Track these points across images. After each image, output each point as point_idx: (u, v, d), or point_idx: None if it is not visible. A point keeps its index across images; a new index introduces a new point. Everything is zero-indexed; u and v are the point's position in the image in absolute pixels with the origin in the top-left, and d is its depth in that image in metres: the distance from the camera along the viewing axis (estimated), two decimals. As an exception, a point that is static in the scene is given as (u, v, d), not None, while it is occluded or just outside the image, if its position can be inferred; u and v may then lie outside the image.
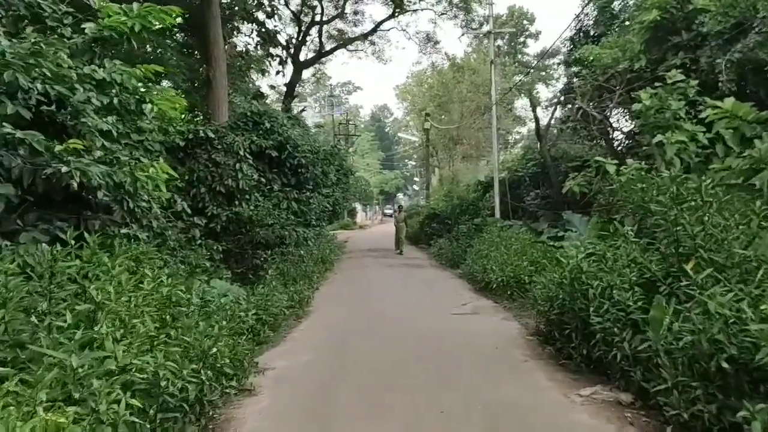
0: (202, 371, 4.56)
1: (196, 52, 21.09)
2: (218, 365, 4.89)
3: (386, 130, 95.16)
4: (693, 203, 5.89)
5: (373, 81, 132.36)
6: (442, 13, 33.47)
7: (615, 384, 5.56)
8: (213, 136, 12.94)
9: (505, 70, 46.49)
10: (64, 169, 5.30)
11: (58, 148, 5.49)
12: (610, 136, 15.94)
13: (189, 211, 11.88)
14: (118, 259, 5.19)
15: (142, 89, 7.03)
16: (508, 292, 11.21)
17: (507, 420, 4.90)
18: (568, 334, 6.49)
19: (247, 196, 13.35)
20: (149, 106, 6.89)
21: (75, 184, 5.33)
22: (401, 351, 7.43)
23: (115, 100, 6.54)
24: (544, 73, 57.60)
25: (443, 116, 43.94)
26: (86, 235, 5.36)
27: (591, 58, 16.93)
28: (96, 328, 4.13)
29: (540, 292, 7.82)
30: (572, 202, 18.44)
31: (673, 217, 5.85)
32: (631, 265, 6.15)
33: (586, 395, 5.41)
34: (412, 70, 74.70)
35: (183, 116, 14.08)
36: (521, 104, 58.08)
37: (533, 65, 50.11)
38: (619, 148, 16.19)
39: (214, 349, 4.84)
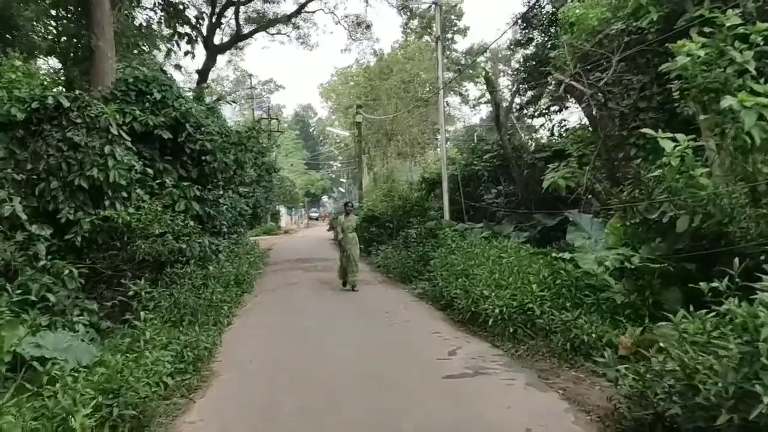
0: None
1: (80, 19, 16.63)
2: None
3: (311, 130, 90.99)
4: None
5: (296, 80, 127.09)
6: (375, -9, 29.97)
7: None
8: (69, 105, 8.77)
9: (433, 65, 43.53)
10: None
11: None
12: (603, 113, 12.67)
13: (23, 215, 7.77)
14: None
15: None
16: (510, 329, 7.68)
17: None
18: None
19: (124, 194, 9.24)
20: None
21: None
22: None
23: None
24: (472, 72, 55.30)
25: (373, 112, 40.51)
26: None
27: (572, 20, 13.77)
28: None
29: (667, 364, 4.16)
30: (546, 200, 15.27)
31: None
32: None
33: None
34: (337, 67, 71.25)
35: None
36: (450, 101, 55.45)
37: (500, 34, 47.50)
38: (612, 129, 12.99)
39: None
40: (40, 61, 17.01)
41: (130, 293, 7.97)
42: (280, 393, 6.10)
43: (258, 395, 6.06)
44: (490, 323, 7.86)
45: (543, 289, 7.97)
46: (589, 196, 13.86)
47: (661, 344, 4.64)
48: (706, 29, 8.29)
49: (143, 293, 7.64)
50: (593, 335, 6.81)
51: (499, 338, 7.74)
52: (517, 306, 7.77)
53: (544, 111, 20.22)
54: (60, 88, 11.69)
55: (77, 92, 9.35)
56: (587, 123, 15.95)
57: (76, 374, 4.82)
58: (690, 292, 7.26)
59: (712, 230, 7.24)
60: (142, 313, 6.84)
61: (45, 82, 9.90)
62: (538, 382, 6.06)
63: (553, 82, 15.48)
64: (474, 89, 65.13)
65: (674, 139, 7.57)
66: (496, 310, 7.79)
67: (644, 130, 7.65)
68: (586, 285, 7.80)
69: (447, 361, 6.98)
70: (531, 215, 16.05)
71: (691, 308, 4.33)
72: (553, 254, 8.95)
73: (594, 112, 13.25)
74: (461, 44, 63.52)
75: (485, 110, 68.05)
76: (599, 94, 12.31)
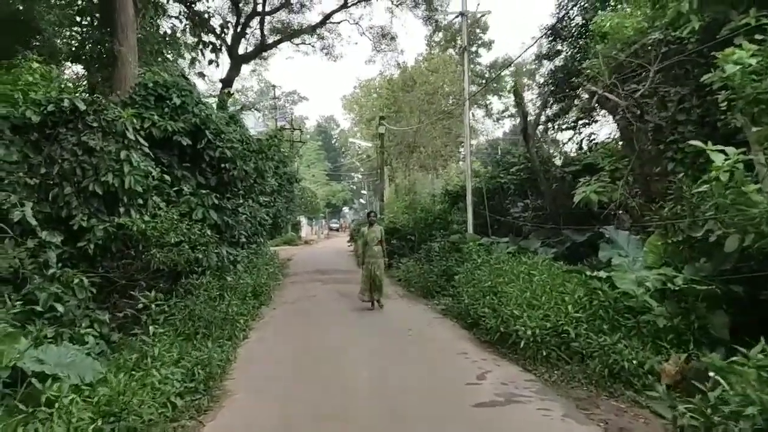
0: None
1: (104, 25, 16.52)
2: None
3: (333, 141, 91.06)
4: None
5: (319, 92, 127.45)
6: (400, 3, 29.70)
7: None
8: (85, 108, 8.50)
9: (457, 77, 43.11)
10: None
11: None
12: (642, 126, 12.07)
13: (33, 221, 7.48)
14: None
15: None
16: (543, 353, 7.17)
17: None
18: None
19: (140, 201, 8.93)
20: None
21: None
22: None
23: None
24: (496, 85, 54.85)
25: (396, 124, 40.19)
26: None
27: (605, 30, 13.29)
28: None
29: None
30: (575, 215, 14.72)
31: None
32: None
33: None
34: (360, 78, 71.37)
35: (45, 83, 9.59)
36: (474, 114, 54.92)
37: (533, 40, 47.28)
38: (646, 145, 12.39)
39: None
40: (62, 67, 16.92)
41: (140, 306, 7.60)
42: (296, 417, 5.67)
43: (272, 419, 5.64)
44: (521, 345, 7.35)
45: (578, 310, 7.48)
46: (622, 212, 13.29)
47: (716, 377, 4.16)
48: (757, 36, 7.80)
49: (153, 306, 7.24)
50: (634, 361, 6.31)
51: (531, 362, 7.23)
52: (551, 327, 7.27)
53: (572, 124, 19.68)
54: (81, 92, 11.51)
55: (94, 95, 9.09)
56: (618, 136, 15.42)
57: (74, 395, 4.42)
58: (738, 317, 6.77)
59: (764, 251, 6.71)
60: (151, 327, 6.47)
61: (63, 85, 9.61)
62: (577, 412, 5.55)
63: (586, 94, 14.94)
64: (497, 103, 64.69)
65: (723, 152, 7.07)
66: (528, 332, 7.29)
67: (692, 142, 7.10)
68: (625, 307, 7.29)
69: (476, 386, 6.48)
70: (558, 230, 15.49)
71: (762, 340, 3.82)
72: (588, 272, 8.44)
73: (628, 125, 12.68)
74: (485, 58, 63.25)
75: (508, 124, 67.47)
76: (635, 106, 11.78)
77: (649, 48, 11.75)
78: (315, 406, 6.00)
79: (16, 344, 5.28)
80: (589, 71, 13.56)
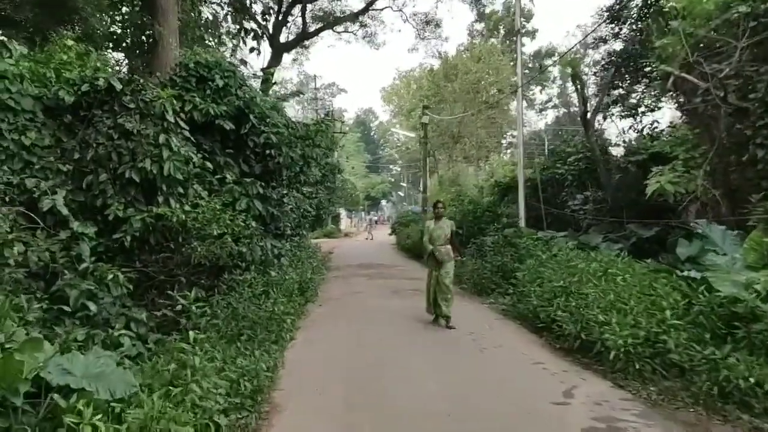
0: None
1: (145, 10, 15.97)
2: None
3: (371, 134, 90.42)
4: None
5: (358, 84, 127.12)
6: (448, -13, 28.71)
7: None
8: (121, 87, 7.81)
9: (502, 65, 41.80)
10: None
11: None
12: (726, 111, 10.86)
13: (65, 210, 6.82)
14: None
15: None
16: (636, 366, 6.20)
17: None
18: None
19: (180, 189, 8.21)
20: None
21: None
22: None
23: None
24: (540, 75, 53.35)
25: (438, 114, 39.22)
26: None
27: (676, 6, 12.10)
28: None
29: None
30: (640, 208, 13.59)
31: None
32: None
33: None
34: (400, 69, 70.40)
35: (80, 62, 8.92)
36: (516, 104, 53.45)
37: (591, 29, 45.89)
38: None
39: None
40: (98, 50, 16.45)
41: (178, 307, 6.87)
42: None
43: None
44: (611, 356, 6.36)
45: (672, 316, 6.48)
46: (697, 205, 12.14)
47: None
48: None
49: (194, 308, 6.50)
50: (751, 379, 5.30)
51: (620, 376, 6.26)
52: (644, 336, 6.29)
53: (632, 111, 18.43)
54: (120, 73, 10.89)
55: (131, 75, 8.40)
56: (687, 123, 14.18)
57: (100, 419, 3.67)
58: None
59: None
60: (191, 333, 5.69)
61: (99, 65, 8.92)
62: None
63: (657, 75, 13.71)
64: (540, 94, 63.07)
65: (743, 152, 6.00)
66: (620, 341, 6.30)
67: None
68: (731, 313, 6.27)
69: (565, 406, 5.52)
70: (621, 225, 14.37)
71: None
72: (678, 272, 7.42)
73: (705, 110, 11.47)
74: (529, 47, 61.66)
75: (551, 115, 65.67)
76: (717, 87, 10.59)
77: (734, 23, 10.59)
78: (377, 426, 5.17)
79: (39, 352, 4.57)
80: (661, 51, 12.41)
